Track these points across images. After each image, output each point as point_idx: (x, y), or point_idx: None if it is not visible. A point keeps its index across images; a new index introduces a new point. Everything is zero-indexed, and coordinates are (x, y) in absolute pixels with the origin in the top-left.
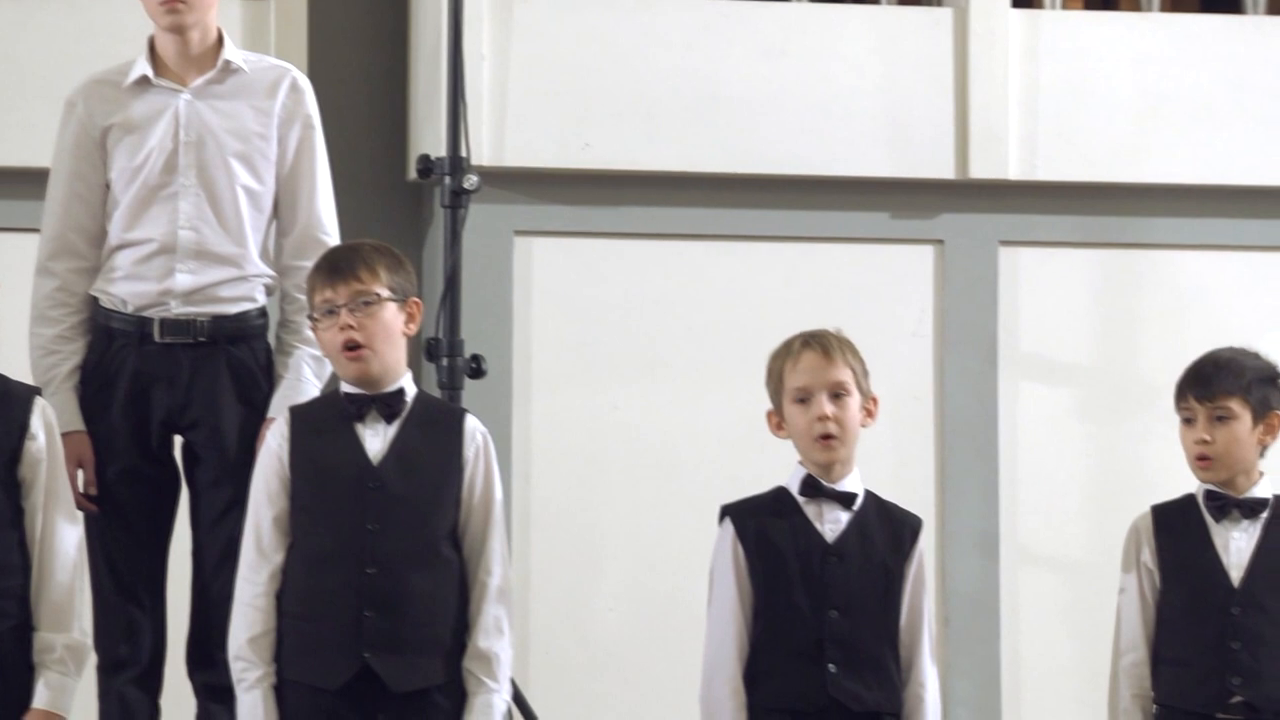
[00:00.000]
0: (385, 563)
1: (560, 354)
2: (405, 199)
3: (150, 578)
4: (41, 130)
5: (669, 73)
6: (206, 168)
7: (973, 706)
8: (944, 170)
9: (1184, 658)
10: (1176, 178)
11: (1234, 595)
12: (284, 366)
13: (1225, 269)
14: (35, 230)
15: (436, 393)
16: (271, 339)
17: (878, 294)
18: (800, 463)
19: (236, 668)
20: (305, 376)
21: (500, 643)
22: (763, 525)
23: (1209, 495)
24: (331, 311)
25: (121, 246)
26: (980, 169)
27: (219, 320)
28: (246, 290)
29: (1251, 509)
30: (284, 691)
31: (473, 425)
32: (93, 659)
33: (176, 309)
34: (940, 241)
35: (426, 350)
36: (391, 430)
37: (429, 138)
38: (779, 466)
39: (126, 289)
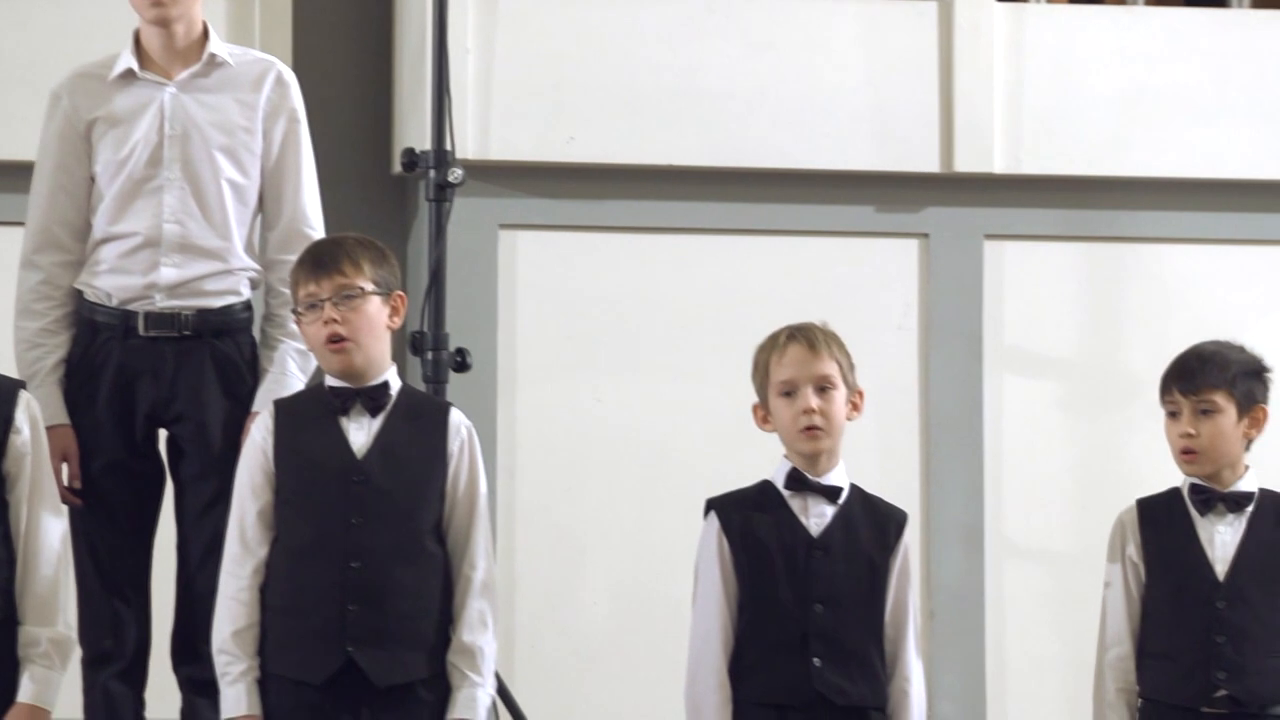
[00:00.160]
0: (369, 557)
1: (545, 348)
2: (390, 193)
3: (135, 571)
4: (26, 123)
5: (654, 66)
6: (191, 161)
7: (958, 700)
8: (929, 164)
9: (1169, 651)
10: (1161, 171)
11: (1219, 589)
12: (269, 360)
13: (1210, 262)
14: (19, 224)
15: (421, 386)
16: (256, 332)
17: (863, 287)
18: (785, 456)
19: (220, 661)
20: (290, 370)
21: (484, 637)
22: (748, 519)
23: (1194, 489)
24: (315, 305)
25: (106, 240)
26: (965, 163)
27: (204, 314)
28: (231, 284)
29: (1236, 503)
30: (268, 685)
31: (457, 419)
32: (77, 653)
33: (161, 302)
34: (925, 235)
35: (411, 344)
36: (376, 424)
37: (414, 131)
38: (765, 460)
39: (111, 282)
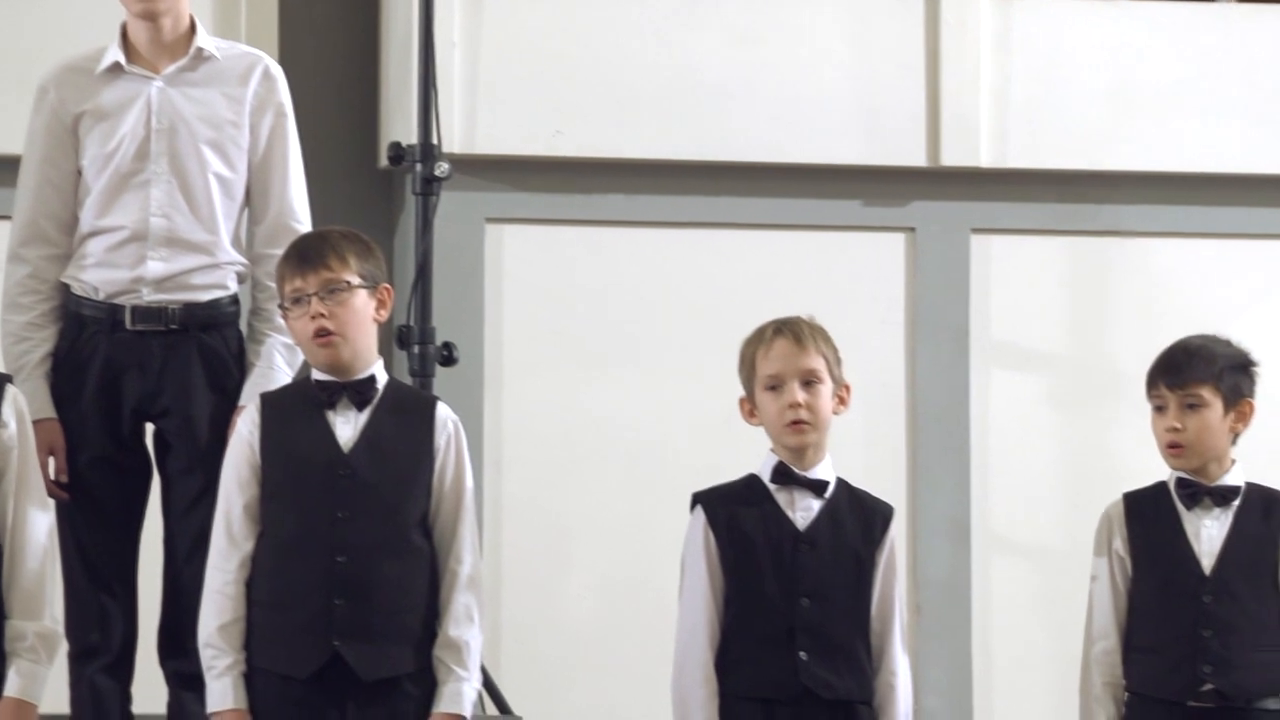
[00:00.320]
0: (355, 551)
1: (532, 342)
2: (376, 186)
3: (121, 566)
4: (13, 117)
5: (641, 60)
6: (178, 155)
7: (944, 694)
8: (916, 158)
9: (1155, 645)
10: (1148, 165)
11: (1205, 583)
12: (256, 354)
13: (1197, 257)
14: (6, 217)
15: (408, 380)
16: (243, 326)
17: (850, 282)
18: (772, 450)
19: (206, 655)
20: (277, 364)
21: (470, 631)
22: (734, 513)
23: (1180, 483)
24: (301, 300)
25: (93, 234)
26: (952, 156)
27: (190, 308)
28: (218, 278)
29: (1223, 497)
30: (254, 679)
31: (444, 413)
32: (64, 647)
33: (148, 296)
34: (912, 229)
35: (398, 338)
36: (362, 418)
37: (400, 125)
38: (752, 454)
39: (98, 276)
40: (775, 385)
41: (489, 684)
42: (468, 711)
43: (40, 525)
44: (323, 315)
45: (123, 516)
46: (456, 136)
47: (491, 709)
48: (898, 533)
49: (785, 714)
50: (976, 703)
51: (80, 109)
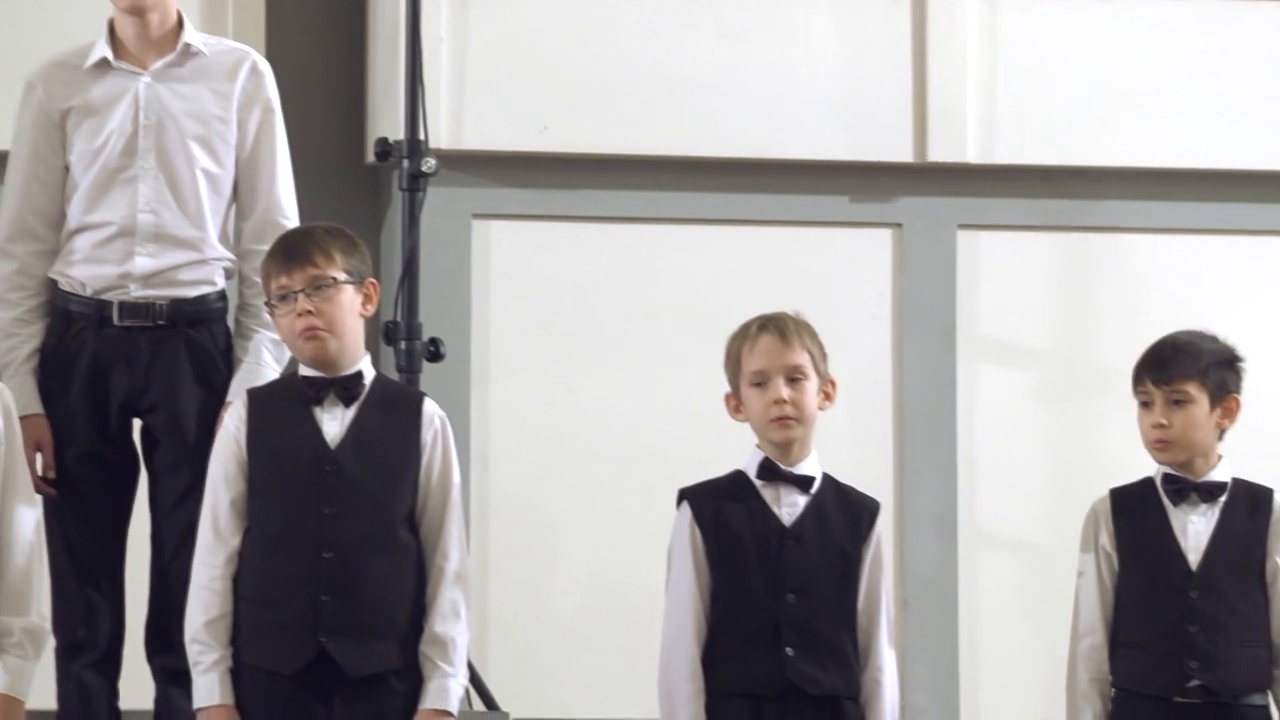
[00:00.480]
0: (342, 547)
1: (518, 337)
2: (363, 182)
3: (109, 561)
4: (1, 113)
5: (628, 56)
6: (166, 151)
7: (931, 690)
8: (902, 154)
9: (1142, 641)
10: (1135, 161)
11: (1192, 579)
12: (243, 350)
13: (1184, 252)
14: None
15: (394, 376)
16: (231, 322)
17: (836, 277)
18: (758, 446)
19: (193, 651)
20: (264, 360)
21: (456, 627)
22: (720, 509)
23: (1167, 479)
24: (287, 297)
25: (81, 229)
26: (939, 152)
27: (178, 303)
28: (206, 274)
29: (1210, 492)
30: (240, 675)
31: (431, 409)
32: (51, 643)
33: (135, 292)
34: (899, 225)
35: (384, 333)
36: (349, 414)
37: (387, 121)
38: (738, 449)
39: (85, 272)
40: (760, 381)
41: (476, 680)
42: (454, 707)
43: (27, 521)
44: (309, 312)
45: (110, 512)
46: (443, 132)
47: (478, 705)
48: (884, 528)
49: (772, 710)
50: (963, 698)
51: (68, 105)
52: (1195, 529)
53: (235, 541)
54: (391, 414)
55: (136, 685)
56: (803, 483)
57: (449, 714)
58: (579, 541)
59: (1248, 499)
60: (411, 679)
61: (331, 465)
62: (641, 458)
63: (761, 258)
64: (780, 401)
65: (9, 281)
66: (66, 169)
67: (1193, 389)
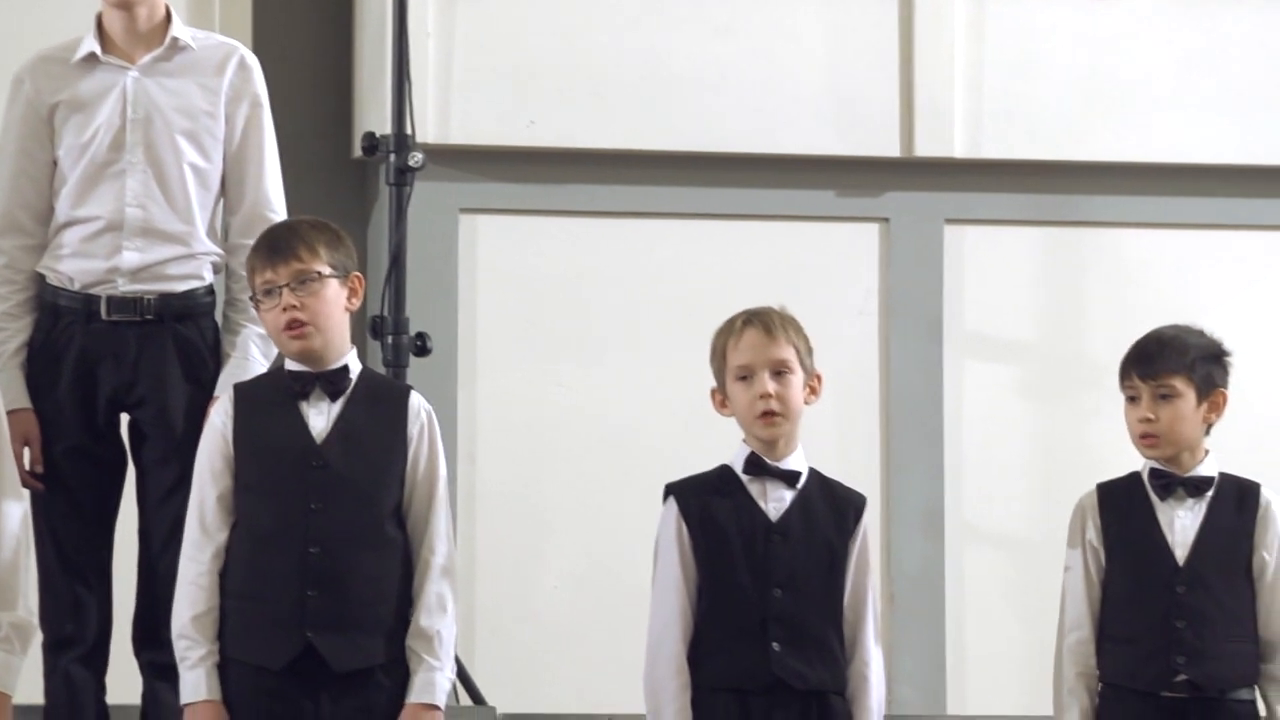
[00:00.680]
0: (329, 542)
1: (505, 332)
2: (350, 176)
3: (96, 556)
4: None
5: (614, 50)
6: (154, 145)
7: (917, 684)
8: (889, 148)
9: (1129, 636)
10: (1122, 156)
11: (1179, 573)
12: (231, 345)
13: (1170, 247)
14: None
15: (381, 370)
16: (219, 317)
17: (823, 272)
18: (744, 441)
19: (180, 646)
20: (252, 355)
21: (443, 621)
22: (706, 503)
23: (1154, 473)
24: (272, 292)
25: (69, 224)
26: (926, 147)
27: (166, 298)
28: (194, 268)
29: (1196, 487)
30: (227, 670)
31: (417, 403)
32: (38, 637)
33: (124, 287)
34: (885, 219)
35: (371, 328)
36: (336, 408)
37: (374, 115)
38: (726, 444)
39: (73, 266)
40: (746, 376)
41: (463, 674)
42: (441, 701)
43: (14, 515)
44: (294, 306)
45: (98, 507)
46: (430, 127)
47: (465, 699)
48: (871, 523)
49: (758, 705)
50: (950, 692)
51: (56, 99)
52: (1182, 524)
53: (222, 537)
54: (378, 408)
55: (124, 680)
56: (789, 477)
57: (436, 708)
58: (566, 535)
59: (1235, 493)
60: (398, 673)
61: (318, 460)
62: (629, 452)
63: (748, 252)
64: (765, 396)
65: None
66: (54, 163)
67: (1179, 384)
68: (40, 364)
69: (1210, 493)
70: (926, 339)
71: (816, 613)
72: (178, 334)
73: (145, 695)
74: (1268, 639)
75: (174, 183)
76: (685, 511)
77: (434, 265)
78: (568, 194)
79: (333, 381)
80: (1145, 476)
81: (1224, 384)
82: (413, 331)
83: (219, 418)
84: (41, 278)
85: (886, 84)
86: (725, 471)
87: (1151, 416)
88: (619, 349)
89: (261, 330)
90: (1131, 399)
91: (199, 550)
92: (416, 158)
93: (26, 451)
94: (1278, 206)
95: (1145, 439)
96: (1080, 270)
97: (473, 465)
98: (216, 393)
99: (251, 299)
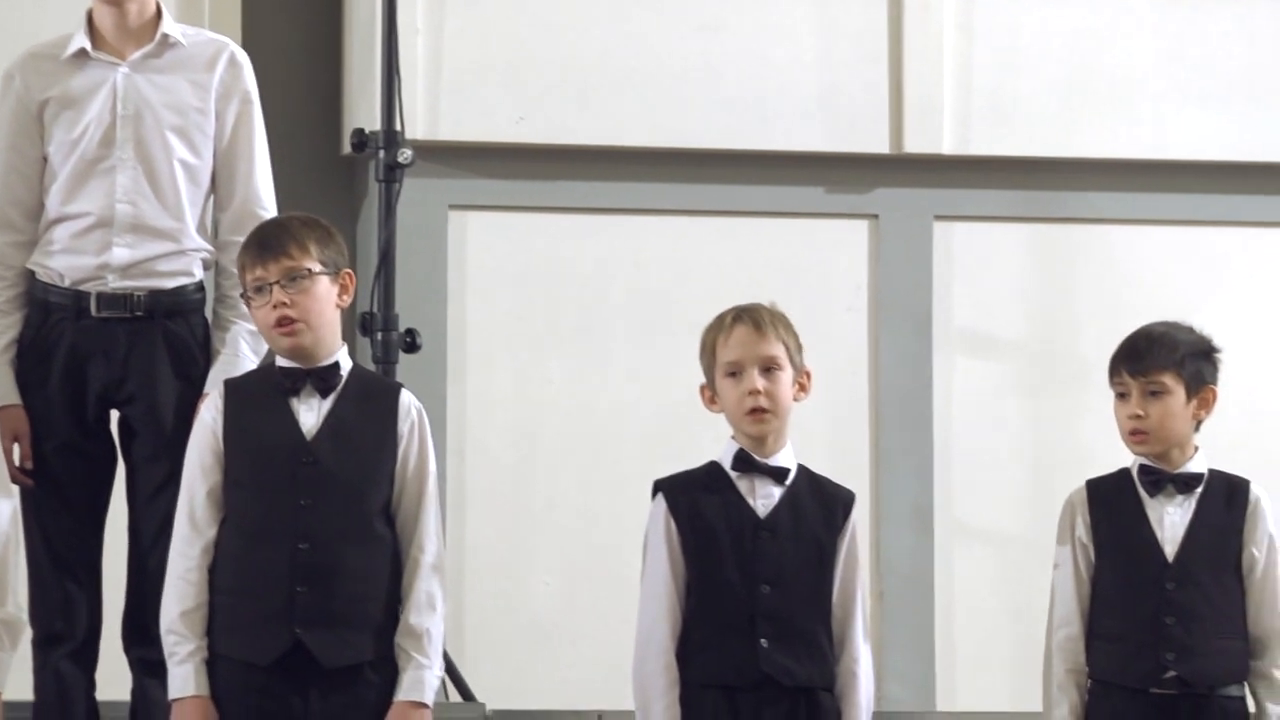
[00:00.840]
0: (318, 538)
1: (495, 328)
2: (339, 173)
3: (86, 552)
4: None
5: (604, 47)
6: (144, 142)
7: (907, 680)
8: (879, 145)
9: (1118, 633)
10: (1110, 152)
11: (1168, 570)
12: (221, 341)
13: (1160, 244)
14: None
15: (371, 367)
16: (209, 313)
17: (812, 268)
18: (733, 437)
19: (168, 641)
20: (242, 351)
21: (432, 618)
22: (695, 500)
23: (1143, 470)
24: (263, 289)
25: (59, 220)
26: (915, 143)
27: (156, 295)
28: (184, 265)
29: (1186, 484)
30: (216, 666)
31: (408, 400)
32: (28, 633)
33: (114, 283)
34: (875, 216)
35: (361, 325)
36: (326, 405)
37: (363, 112)
38: (715, 440)
39: (63, 262)
40: (735, 372)
41: (452, 671)
42: (429, 699)
43: (4, 512)
44: (285, 303)
45: (87, 503)
46: (419, 123)
47: (455, 696)
48: (861, 519)
49: (746, 701)
50: (939, 689)
51: (46, 95)
52: (1171, 520)
53: (211, 533)
54: (368, 405)
55: (113, 676)
56: (778, 474)
57: (424, 706)
58: (555, 532)
59: (1224, 490)
60: (387, 670)
61: (308, 456)
62: (618, 448)
63: (738, 249)
64: (755, 392)
65: None
66: (45, 160)
67: (1169, 380)
68: (30, 360)
69: (1200, 489)
70: (916, 335)
71: (805, 609)
72: (168, 330)
73: (135, 692)
74: (1257, 635)
75: (164, 179)
76: (674, 508)
77: (423, 262)
78: (557, 190)
79: (323, 378)
80: (1135, 473)
81: (1213, 381)
82: (402, 328)
83: (209, 414)
84: (31, 274)
85: (876, 80)
86: (714, 468)
87: (1141, 413)
88: (608, 345)
89: (251, 327)
90: (1121, 395)
91: (188, 546)
92: (406, 154)
93: (16, 448)
94: (1266, 202)
95: (1135, 435)
96: (1069, 266)
97: (462, 461)
98: (206, 389)
99: (242, 296)
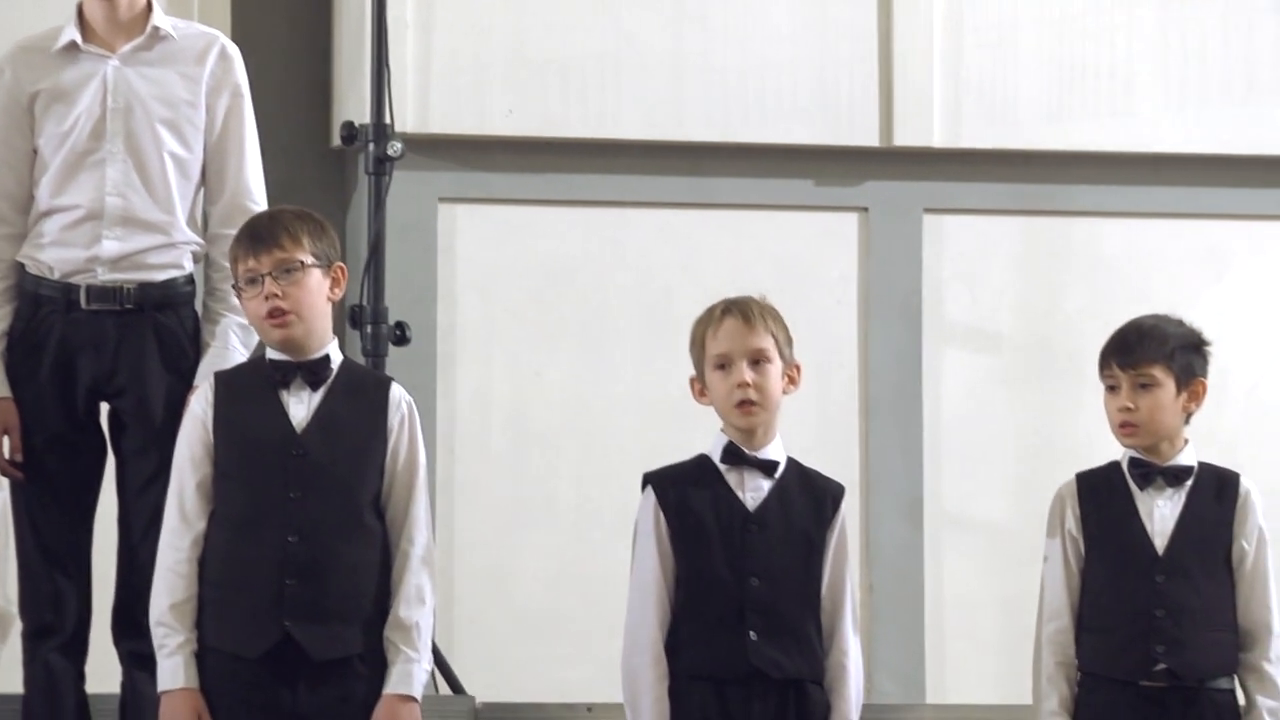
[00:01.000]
0: (308, 531)
1: (484, 321)
2: (329, 166)
3: (76, 545)
4: None
5: (593, 39)
6: (134, 134)
7: (896, 673)
8: (868, 137)
9: (1108, 625)
10: (1100, 145)
11: (1158, 563)
12: (211, 334)
13: (1150, 237)
14: None
15: (360, 360)
16: (199, 306)
17: (802, 261)
18: (722, 430)
19: (158, 634)
20: (232, 344)
21: (421, 612)
22: (684, 493)
23: (1133, 463)
24: (255, 280)
25: (49, 212)
26: (904, 136)
27: (146, 287)
28: (174, 257)
29: (1176, 476)
30: (205, 658)
31: (398, 393)
32: (18, 626)
33: (103, 276)
34: (865, 209)
35: (350, 317)
36: (316, 398)
37: (353, 104)
38: (705, 433)
39: (54, 255)
40: (724, 364)
41: (441, 664)
42: (418, 692)
43: None
44: (276, 295)
45: (77, 496)
46: (409, 116)
47: (444, 688)
48: (851, 512)
49: (735, 694)
50: (929, 682)
51: (36, 88)
52: (1161, 513)
53: (201, 525)
54: (358, 398)
55: (103, 669)
56: (767, 467)
57: (413, 699)
58: (544, 525)
59: (1214, 483)
60: (376, 663)
61: (297, 449)
62: (608, 441)
63: (727, 242)
64: (743, 385)
65: None
66: (35, 152)
67: (1159, 373)
68: (20, 353)
69: (1190, 482)
70: (906, 328)
71: (794, 602)
72: (158, 323)
73: (125, 685)
74: (1246, 628)
75: (154, 172)
76: (663, 501)
77: (413, 255)
78: (546, 183)
79: (314, 371)
80: (1125, 466)
81: (1203, 373)
82: (392, 321)
83: (199, 405)
84: (21, 267)
85: (865, 73)
86: (703, 461)
87: (1131, 406)
88: (598, 338)
89: (241, 320)
90: (1111, 388)
91: (178, 538)
92: (395, 147)
93: (6, 441)
94: (1257, 196)
95: (1124, 428)
96: (1059, 260)
97: (451, 455)
98: (196, 382)
99: (234, 287)
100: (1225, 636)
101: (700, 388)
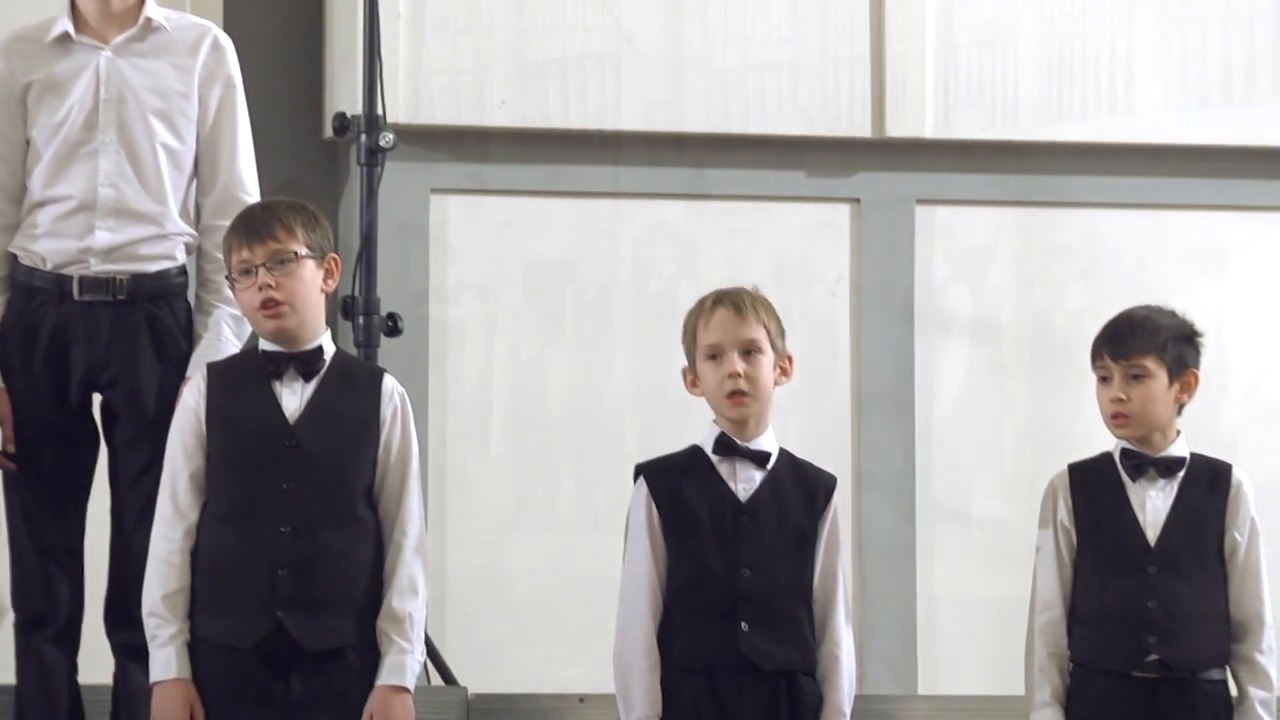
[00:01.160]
0: (300, 522)
1: (476, 312)
2: (321, 157)
3: (68, 536)
4: None
5: (584, 30)
6: (127, 126)
7: (889, 664)
8: (860, 129)
9: (1100, 616)
10: (1093, 136)
11: (1150, 554)
12: (203, 325)
13: (1142, 228)
14: None
15: (352, 351)
16: (191, 297)
17: (794, 252)
18: (714, 421)
19: (150, 624)
20: (225, 335)
21: (414, 603)
22: (676, 484)
23: (1125, 454)
24: (249, 271)
25: (42, 203)
26: (897, 127)
27: (138, 278)
28: (166, 249)
29: (1168, 468)
30: (197, 649)
31: (390, 385)
32: (10, 617)
33: (96, 267)
34: (856, 200)
35: (342, 308)
36: (309, 389)
37: (345, 95)
38: (698, 424)
39: (46, 246)
40: (715, 355)
41: (434, 655)
42: (410, 683)
43: None
44: (270, 286)
45: (70, 487)
46: (401, 107)
47: (436, 679)
48: (843, 502)
49: (727, 684)
50: (921, 672)
51: (29, 79)
52: (1154, 504)
53: (194, 516)
54: (351, 389)
55: (96, 660)
56: (759, 458)
57: (406, 690)
58: (537, 516)
59: (1206, 474)
60: (369, 654)
61: (290, 440)
62: (599, 431)
63: (720, 233)
64: (735, 375)
65: None
66: (28, 143)
67: (1151, 364)
68: (12, 344)
69: (1182, 473)
70: (898, 319)
71: (786, 593)
72: (150, 314)
73: (117, 675)
74: (1238, 619)
75: (146, 163)
76: (655, 492)
77: (405, 246)
78: (537, 174)
79: (307, 362)
80: (1117, 457)
81: (1195, 365)
82: (384, 312)
83: (192, 396)
84: (14, 258)
85: (857, 64)
86: (695, 452)
87: (1123, 397)
88: (589, 329)
89: (234, 311)
90: (1103, 379)
91: (170, 529)
92: (387, 138)
93: None
94: (1250, 187)
95: (1117, 419)
96: (1051, 250)
97: (444, 446)
98: (189, 373)
99: (228, 278)
100: (1217, 628)
101: (692, 378)
